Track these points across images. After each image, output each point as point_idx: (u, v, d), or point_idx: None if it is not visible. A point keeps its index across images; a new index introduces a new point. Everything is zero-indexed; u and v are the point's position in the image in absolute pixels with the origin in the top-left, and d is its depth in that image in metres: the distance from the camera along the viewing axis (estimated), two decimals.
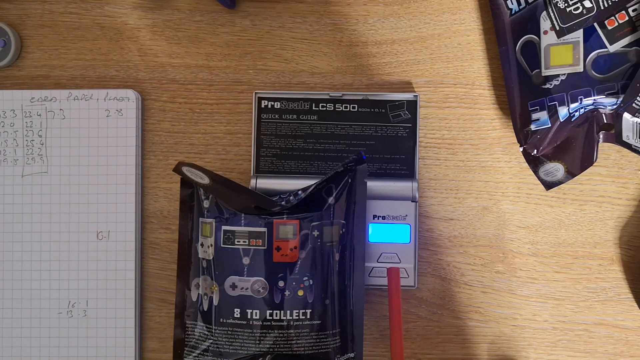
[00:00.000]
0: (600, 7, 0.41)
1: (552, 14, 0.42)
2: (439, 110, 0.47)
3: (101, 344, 0.45)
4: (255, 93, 0.46)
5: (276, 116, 0.46)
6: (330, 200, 0.42)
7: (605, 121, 0.44)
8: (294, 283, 0.41)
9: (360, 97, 0.46)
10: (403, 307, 0.46)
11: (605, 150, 0.46)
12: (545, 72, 0.43)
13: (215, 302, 0.42)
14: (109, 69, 0.48)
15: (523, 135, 0.44)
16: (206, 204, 0.43)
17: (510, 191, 0.46)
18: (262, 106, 0.46)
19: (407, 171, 0.46)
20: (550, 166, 0.44)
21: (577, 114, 0.43)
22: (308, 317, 0.41)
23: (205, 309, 0.42)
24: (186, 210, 0.44)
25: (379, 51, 0.47)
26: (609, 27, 0.41)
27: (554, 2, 0.42)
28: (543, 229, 0.46)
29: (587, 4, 0.41)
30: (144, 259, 0.47)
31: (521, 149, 0.44)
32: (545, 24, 0.43)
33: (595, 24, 0.42)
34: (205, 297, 0.42)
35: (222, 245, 0.41)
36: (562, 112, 0.42)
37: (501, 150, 0.46)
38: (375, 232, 0.44)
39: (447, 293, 0.46)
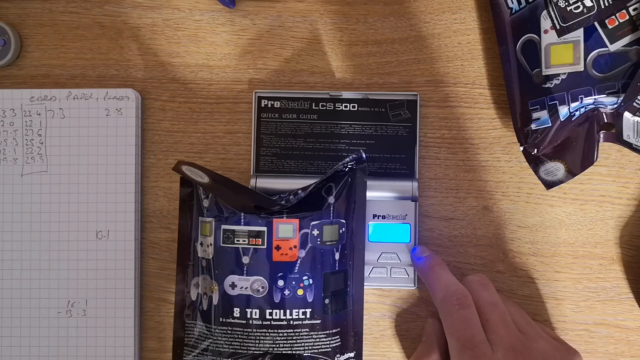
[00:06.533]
0: (600, 6, 0.41)
1: (552, 13, 0.42)
2: (439, 110, 0.47)
3: (100, 344, 0.45)
4: (255, 92, 0.46)
5: (276, 115, 0.46)
6: (330, 199, 0.42)
7: (605, 120, 0.44)
8: (293, 282, 0.41)
9: (360, 97, 0.46)
10: (403, 307, 0.46)
11: (606, 149, 0.46)
12: (546, 71, 0.43)
13: (214, 302, 0.41)
14: (108, 68, 0.48)
15: (523, 134, 0.44)
16: (206, 203, 0.43)
17: (510, 191, 0.46)
18: (262, 105, 0.46)
19: (407, 170, 0.45)
20: (550, 165, 0.44)
21: (577, 113, 0.43)
22: (308, 316, 0.41)
23: (205, 309, 0.42)
24: (186, 209, 0.44)
25: (379, 50, 0.47)
26: (610, 26, 0.41)
27: (554, 1, 0.42)
28: (543, 229, 0.46)
29: (588, 3, 0.41)
30: (144, 258, 0.47)
31: (521, 149, 0.44)
32: (545, 23, 0.43)
33: (596, 23, 0.41)
34: (205, 296, 0.42)
35: (221, 245, 0.41)
36: (563, 111, 0.42)
37: (501, 149, 0.46)
38: (375, 232, 0.44)
39: None
